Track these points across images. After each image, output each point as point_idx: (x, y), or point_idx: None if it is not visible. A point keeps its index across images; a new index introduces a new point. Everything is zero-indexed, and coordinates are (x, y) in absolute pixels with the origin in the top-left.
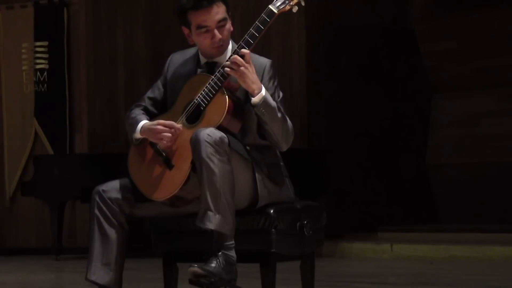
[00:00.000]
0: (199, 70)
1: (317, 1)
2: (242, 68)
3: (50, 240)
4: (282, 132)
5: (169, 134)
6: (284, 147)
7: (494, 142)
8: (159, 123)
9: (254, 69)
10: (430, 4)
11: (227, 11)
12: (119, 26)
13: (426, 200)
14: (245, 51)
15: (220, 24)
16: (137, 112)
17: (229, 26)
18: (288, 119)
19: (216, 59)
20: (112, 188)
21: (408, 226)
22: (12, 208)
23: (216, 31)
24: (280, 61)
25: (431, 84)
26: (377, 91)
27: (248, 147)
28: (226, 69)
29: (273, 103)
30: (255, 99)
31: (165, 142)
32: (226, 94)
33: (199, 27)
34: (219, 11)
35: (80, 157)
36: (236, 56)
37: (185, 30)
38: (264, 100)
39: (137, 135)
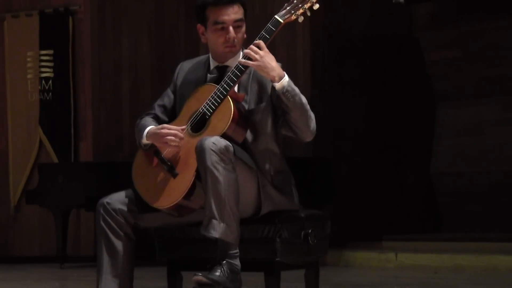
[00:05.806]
0: (209, 76)
1: (322, 11)
2: (257, 56)
3: (54, 249)
4: (307, 118)
5: (173, 138)
6: (309, 135)
7: (498, 151)
8: (164, 127)
9: (273, 56)
10: (434, 13)
11: (244, 16)
12: (124, 35)
13: (431, 209)
14: (259, 41)
15: (237, 24)
16: (147, 119)
17: (244, 30)
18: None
19: (227, 63)
20: (116, 199)
21: (413, 235)
22: (17, 216)
23: (231, 29)
24: (284, 70)
25: (435, 93)
26: (381, 100)
27: (258, 154)
28: (243, 60)
29: (296, 88)
30: (278, 85)
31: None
32: (231, 102)
33: (215, 23)
34: (238, 12)
35: (84, 165)
36: (251, 46)
37: (200, 28)
38: (289, 84)
39: (144, 140)
